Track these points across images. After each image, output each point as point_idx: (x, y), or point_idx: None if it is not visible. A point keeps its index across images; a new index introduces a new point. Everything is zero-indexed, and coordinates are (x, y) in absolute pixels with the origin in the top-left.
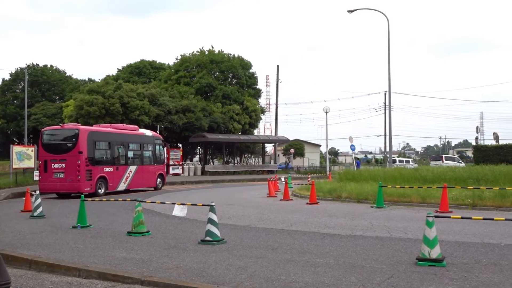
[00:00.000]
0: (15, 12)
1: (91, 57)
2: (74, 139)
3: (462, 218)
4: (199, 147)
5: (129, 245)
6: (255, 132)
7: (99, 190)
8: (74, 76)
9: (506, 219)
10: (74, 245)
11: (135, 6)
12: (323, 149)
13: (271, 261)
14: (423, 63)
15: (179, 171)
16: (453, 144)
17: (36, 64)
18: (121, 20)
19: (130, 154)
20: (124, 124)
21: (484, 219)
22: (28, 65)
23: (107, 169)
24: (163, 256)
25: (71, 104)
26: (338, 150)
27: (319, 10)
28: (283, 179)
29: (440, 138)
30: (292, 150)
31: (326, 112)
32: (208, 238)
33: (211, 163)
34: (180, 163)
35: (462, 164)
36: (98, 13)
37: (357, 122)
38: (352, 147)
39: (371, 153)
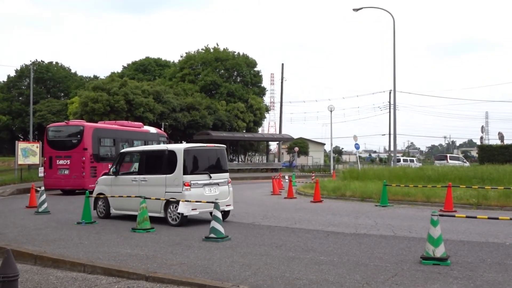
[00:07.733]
0: (19, 9)
1: (96, 54)
2: (79, 136)
3: (467, 217)
4: None
5: (133, 242)
6: (259, 130)
7: None
8: (79, 73)
9: (511, 219)
10: (79, 241)
11: (139, 3)
12: (327, 147)
13: (275, 259)
14: (428, 62)
15: None
16: (457, 144)
17: (41, 61)
18: (126, 17)
19: None
20: (129, 121)
21: (489, 218)
22: (33, 62)
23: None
24: (167, 253)
25: (76, 101)
26: (342, 149)
27: (324, 9)
28: (287, 177)
29: (445, 137)
30: (296, 149)
31: (331, 111)
32: (212, 235)
33: None
34: None
35: (467, 164)
36: (102, 10)
37: (361, 121)
38: (357, 146)
39: (375, 152)
